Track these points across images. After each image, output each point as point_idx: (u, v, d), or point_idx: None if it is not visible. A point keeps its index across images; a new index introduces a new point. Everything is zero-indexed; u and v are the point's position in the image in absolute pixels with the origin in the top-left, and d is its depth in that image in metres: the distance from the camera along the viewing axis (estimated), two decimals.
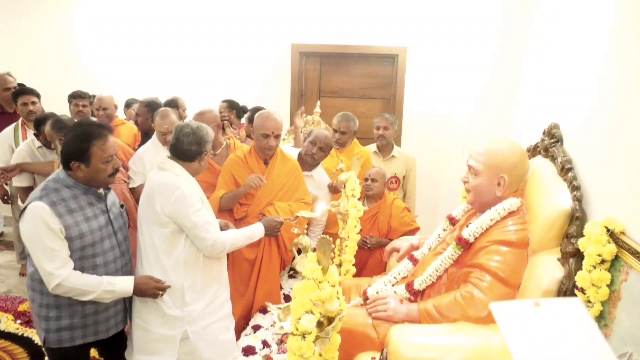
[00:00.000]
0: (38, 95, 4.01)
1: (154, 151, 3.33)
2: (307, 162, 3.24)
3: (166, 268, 2.25)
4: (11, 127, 3.92)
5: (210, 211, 2.41)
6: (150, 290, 2.18)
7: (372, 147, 3.94)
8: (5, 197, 4.29)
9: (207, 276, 2.36)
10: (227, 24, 5.10)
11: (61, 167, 2.07)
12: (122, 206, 2.33)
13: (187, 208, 2.21)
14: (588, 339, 0.60)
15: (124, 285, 2.12)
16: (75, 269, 2.01)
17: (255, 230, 2.55)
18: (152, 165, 2.56)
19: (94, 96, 4.33)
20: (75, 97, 4.22)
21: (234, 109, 4.50)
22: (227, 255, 2.97)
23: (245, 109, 4.54)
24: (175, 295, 2.28)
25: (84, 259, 2.05)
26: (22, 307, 3.77)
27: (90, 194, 2.09)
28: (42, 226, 1.91)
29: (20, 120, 3.95)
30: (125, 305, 2.34)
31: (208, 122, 2.94)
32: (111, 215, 2.18)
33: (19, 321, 3.60)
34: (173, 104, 4.10)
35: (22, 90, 3.99)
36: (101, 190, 2.15)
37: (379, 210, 3.43)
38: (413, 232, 3.34)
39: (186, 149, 2.29)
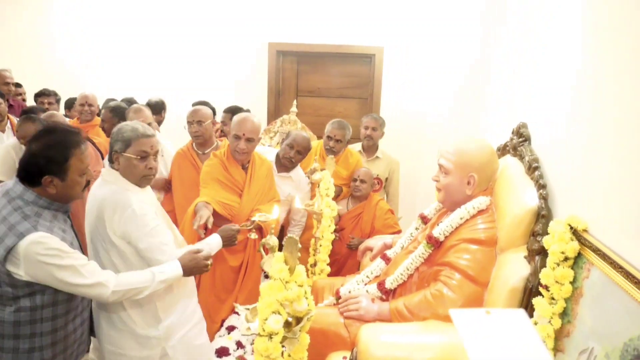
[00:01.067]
0: (56, 96, 3.97)
1: None
2: (285, 165, 3.19)
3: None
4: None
5: (168, 225, 2.18)
6: (200, 266, 2.01)
7: (357, 146, 3.91)
8: None
9: (176, 286, 2.15)
10: (203, 24, 5.05)
11: (18, 184, 1.74)
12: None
13: (140, 228, 1.95)
14: (530, 343, 0.71)
15: (173, 270, 1.94)
16: (55, 294, 1.75)
17: (212, 244, 2.26)
18: None
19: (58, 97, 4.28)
20: (40, 95, 4.14)
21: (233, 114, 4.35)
22: (215, 264, 2.89)
23: (214, 111, 4.45)
24: (147, 314, 2.08)
25: None
26: None
27: (62, 210, 1.82)
28: (59, 254, 1.65)
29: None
30: (90, 323, 2.09)
31: (188, 116, 2.95)
32: (74, 229, 1.93)
33: None
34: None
35: (42, 92, 4.02)
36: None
37: (363, 210, 3.42)
38: (396, 234, 3.34)
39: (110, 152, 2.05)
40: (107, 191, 1.97)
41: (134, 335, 2.06)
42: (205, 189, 2.81)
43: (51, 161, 1.70)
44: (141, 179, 2.03)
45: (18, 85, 4.66)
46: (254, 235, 1.93)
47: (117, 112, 3.56)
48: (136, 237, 1.94)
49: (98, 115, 4.07)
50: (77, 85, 4.90)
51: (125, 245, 1.97)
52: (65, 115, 4.52)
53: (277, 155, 3.24)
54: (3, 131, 3.76)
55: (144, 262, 2.00)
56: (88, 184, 1.86)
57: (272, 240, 1.79)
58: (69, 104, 4.81)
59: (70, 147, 1.73)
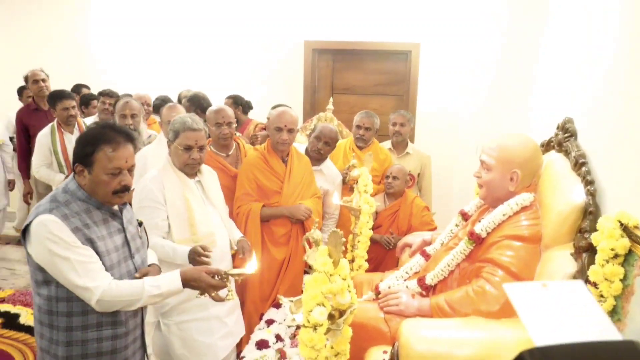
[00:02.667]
0: (75, 98, 4.04)
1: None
2: (314, 157, 3.25)
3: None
4: (47, 130, 3.88)
5: (199, 208, 2.34)
6: (205, 286, 1.79)
7: (387, 144, 3.92)
8: (29, 195, 4.40)
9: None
10: (241, 23, 5.14)
11: (72, 174, 1.78)
12: (140, 224, 1.98)
13: (143, 201, 2.24)
14: (591, 315, 0.67)
15: (170, 282, 1.76)
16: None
17: (178, 251, 2.25)
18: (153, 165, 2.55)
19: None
20: (104, 94, 4.24)
21: (239, 104, 4.43)
22: (261, 257, 2.95)
23: (251, 105, 4.52)
24: None
25: None
26: None
27: (104, 209, 1.76)
28: (61, 241, 1.61)
29: (55, 122, 3.91)
30: (144, 341, 1.98)
31: (216, 118, 2.94)
32: (128, 234, 1.85)
33: None
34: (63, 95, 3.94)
35: (62, 95, 3.90)
36: (116, 206, 1.82)
37: (399, 208, 3.42)
38: (433, 231, 3.33)
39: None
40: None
41: None
42: (245, 195, 2.93)
43: (82, 149, 1.70)
44: (185, 167, 2.28)
45: (83, 86, 4.90)
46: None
47: (194, 102, 3.84)
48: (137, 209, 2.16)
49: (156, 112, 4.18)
50: (112, 83, 5.05)
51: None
52: (82, 112, 4.59)
53: (306, 150, 3.31)
54: (72, 132, 3.93)
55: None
56: (126, 190, 1.77)
57: (316, 234, 1.82)
58: (85, 101, 4.78)
59: (101, 141, 1.69)
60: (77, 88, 4.99)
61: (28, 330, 3.51)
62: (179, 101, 4.51)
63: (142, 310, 1.91)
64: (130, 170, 1.77)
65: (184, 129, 2.28)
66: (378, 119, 3.65)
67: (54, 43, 5.58)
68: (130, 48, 5.46)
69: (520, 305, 0.69)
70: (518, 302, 0.69)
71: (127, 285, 1.71)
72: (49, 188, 4.29)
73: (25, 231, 1.66)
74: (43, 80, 4.26)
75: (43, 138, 3.86)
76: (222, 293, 1.86)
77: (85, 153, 1.68)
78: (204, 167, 2.52)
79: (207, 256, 2.11)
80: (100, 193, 1.72)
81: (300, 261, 2.98)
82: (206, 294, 1.82)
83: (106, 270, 1.71)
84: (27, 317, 3.66)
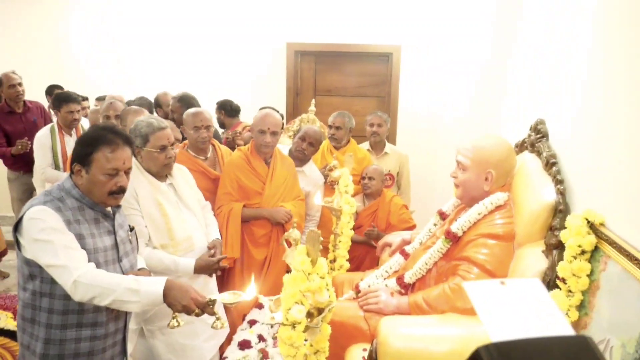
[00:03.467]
0: (80, 102, 4.05)
1: None
2: (298, 157, 3.28)
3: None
4: (47, 130, 3.91)
5: (173, 212, 2.31)
6: (186, 300, 1.65)
7: (365, 145, 3.98)
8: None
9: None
10: (223, 24, 5.14)
11: (69, 174, 1.81)
12: (131, 229, 1.98)
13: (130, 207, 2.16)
14: (547, 312, 0.70)
15: (151, 283, 1.67)
16: (52, 285, 1.68)
17: (180, 264, 2.26)
18: None
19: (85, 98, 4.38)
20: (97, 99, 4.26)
21: (223, 108, 4.47)
22: (241, 257, 2.97)
23: (238, 108, 4.54)
24: None
25: None
26: None
27: (97, 209, 1.79)
28: (49, 227, 1.62)
29: (56, 124, 3.94)
30: (125, 347, 1.96)
31: (194, 121, 2.92)
32: (117, 237, 1.85)
33: None
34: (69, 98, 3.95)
35: (68, 98, 3.90)
36: (109, 208, 1.84)
37: (377, 207, 3.47)
38: (411, 229, 3.38)
39: None
40: None
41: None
42: (226, 194, 2.94)
43: (81, 149, 1.74)
44: (163, 168, 2.26)
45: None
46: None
47: (185, 101, 3.80)
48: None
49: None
50: (92, 85, 5.03)
51: None
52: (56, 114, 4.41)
53: (290, 150, 3.34)
54: (70, 135, 3.96)
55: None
56: (122, 192, 1.81)
57: (294, 233, 1.85)
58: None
59: (100, 142, 1.72)
60: (51, 89, 4.93)
61: (7, 334, 3.47)
62: (157, 104, 4.48)
63: (125, 315, 1.91)
64: (127, 172, 1.80)
65: (152, 130, 2.24)
66: (351, 119, 3.70)
67: (32, 44, 5.53)
68: (111, 49, 5.41)
69: (478, 303, 0.72)
70: (476, 300, 0.72)
71: (107, 274, 1.68)
72: (27, 191, 4.27)
73: (17, 224, 1.68)
74: (19, 84, 4.21)
75: (43, 138, 3.87)
76: (209, 320, 1.78)
77: (84, 153, 1.72)
78: (175, 167, 2.44)
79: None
80: (97, 193, 1.75)
81: (282, 262, 2.99)
82: (178, 319, 1.71)
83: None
84: (6, 321, 3.61)
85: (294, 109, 5.15)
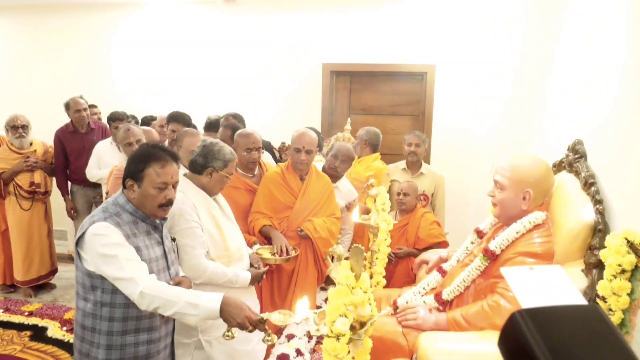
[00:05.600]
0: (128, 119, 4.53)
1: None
2: (331, 175, 3.39)
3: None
4: (107, 141, 4.38)
5: (225, 225, 2.48)
6: (241, 318, 1.76)
7: (402, 164, 4.02)
8: (72, 211, 4.65)
9: (217, 287, 2.33)
10: (261, 47, 5.33)
11: (121, 189, 1.99)
12: (173, 240, 2.21)
13: (178, 224, 2.30)
14: (565, 289, 0.96)
15: (210, 299, 1.78)
16: (112, 295, 1.83)
17: (240, 277, 2.46)
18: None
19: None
20: (114, 119, 4.53)
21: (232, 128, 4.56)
22: (271, 269, 3.09)
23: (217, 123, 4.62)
24: None
25: None
26: (67, 315, 4.01)
27: (148, 222, 1.96)
28: (112, 242, 1.77)
29: (110, 138, 4.36)
30: (173, 350, 2.14)
31: (247, 143, 3.08)
32: (165, 247, 2.03)
33: (65, 328, 3.83)
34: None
35: (117, 117, 4.50)
36: (158, 220, 2.01)
37: (408, 222, 3.54)
38: (441, 245, 3.42)
39: (194, 159, 2.45)
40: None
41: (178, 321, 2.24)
42: (256, 212, 3.09)
43: (134, 166, 1.91)
44: (220, 189, 2.49)
45: (92, 106, 5.08)
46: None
47: (212, 127, 4.07)
48: (175, 232, 2.28)
49: None
50: (132, 107, 5.25)
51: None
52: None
53: (323, 168, 3.46)
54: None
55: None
56: (170, 204, 1.98)
57: (338, 249, 1.93)
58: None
59: (151, 158, 1.91)
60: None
61: (55, 343, 3.65)
62: (210, 125, 4.58)
63: (173, 319, 2.06)
64: (174, 186, 1.99)
65: (232, 158, 2.49)
66: (369, 132, 4.08)
67: (72, 62, 5.88)
68: (152, 71, 5.69)
69: (513, 282, 0.97)
70: (511, 280, 0.98)
71: (168, 286, 1.84)
72: (87, 202, 4.65)
73: (79, 239, 1.84)
74: (84, 109, 4.57)
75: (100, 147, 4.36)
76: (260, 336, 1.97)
77: (137, 169, 1.90)
78: None
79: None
80: (148, 206, 1.92)
81: (311, 273, 3.13)
82: (232, 332, 1.82)
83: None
84: (54, 330, 3.80)
85: (329, 128, 5.26)
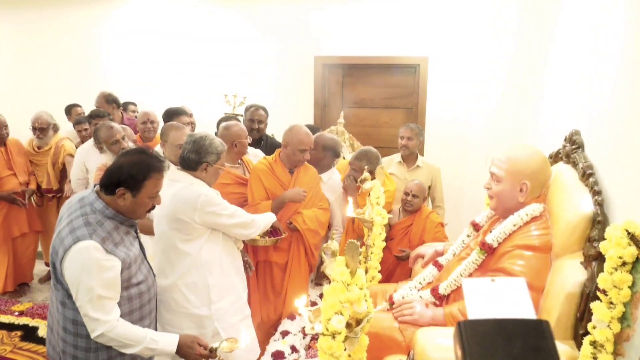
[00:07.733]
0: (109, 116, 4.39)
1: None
2: (313, 165, 3.39)
3: (189, 267, 2.37)
4: (89, 144, 4.18)
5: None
6: (193, 356, 1.97)
7: (397, 157, 3.98)
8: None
9: (228, 274, 2.49)
10: (252, 39, 5.26)
11: (93, 192, 1.91)
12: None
13: (219, 211, 2.38)
14: (521, 304, 0.92)
15: (167, 343, 1.95)
16: (122, 299, 1.90)
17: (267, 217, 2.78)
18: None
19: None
20: (94, 117, 4.28)
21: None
22: (257, 262, 3.09)
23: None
24: (202, 294, 2.40)
25: (131, 287, 1.94)
26: None
27: (126, 223, 1.95)
28: (94, 270, 1.76)
29: (91, 140, 4.21)
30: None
31: (233, 135, 3.07)
32: (140, 239, 2.10)
33: None
34: (179, 111, 4.07)
35: (98, 114, 4.32)
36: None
37: (412, 222, 3.44)
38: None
39: (185, 157, 2.43)
40: (176, 189, 2.35)
41: (189, 315, 2.37)
42: (255, 189, 3.13)
43: (132, 176, 1.86)
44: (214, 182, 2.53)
45: (131, 103, 5.21)
46: None
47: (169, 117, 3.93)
48: (217, 219, 2.37)
49: None
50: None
51: (198, 231, 2.36)
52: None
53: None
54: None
55: (201, 245, 2.39)
56: (153, 208, 2.02)
57: (333, 245, 1.88)
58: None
59: (152, 169, 1.90)
60: (69, 108, 5.09)
61: (44, 342, 3.59)
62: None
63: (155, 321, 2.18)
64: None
65: (224, 150, 2.53)
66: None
67: (64, 57, 5.78)
68: (142, 63, 5.60)
69: (468, 293, 0.94)
70: (467, 291, 0.95)
71: (131, 329, 1.88)
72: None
73: (64, 254, 1.80)
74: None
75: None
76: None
77: (137, 180, 1.88)
78: None
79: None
80: (138, 212, 1.96)
81: (303, 266, 3.16)
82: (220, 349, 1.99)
83: (132, 274, 1.93)
84: (44, 329, 3.74)
85: (322, 121, 5.21)
